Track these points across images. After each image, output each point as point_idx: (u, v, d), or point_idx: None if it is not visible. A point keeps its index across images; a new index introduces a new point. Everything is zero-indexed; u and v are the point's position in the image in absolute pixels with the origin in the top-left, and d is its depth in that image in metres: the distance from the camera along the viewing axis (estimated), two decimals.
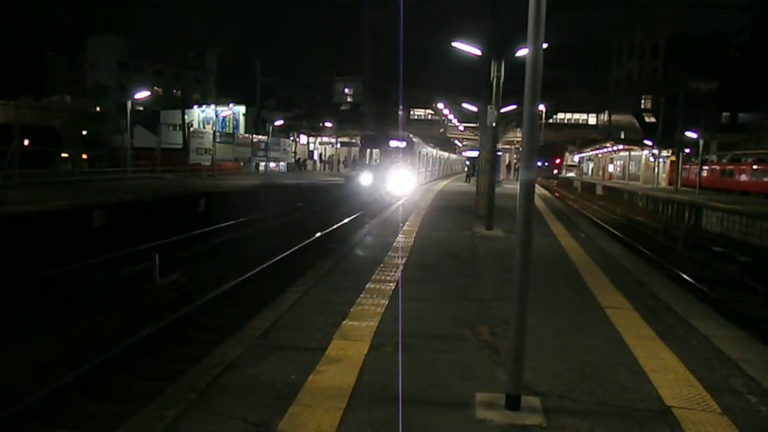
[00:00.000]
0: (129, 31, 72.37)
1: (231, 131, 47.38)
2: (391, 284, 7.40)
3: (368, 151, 28.98)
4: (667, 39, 65.27)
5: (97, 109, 60.94)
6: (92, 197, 15.45)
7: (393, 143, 27.35)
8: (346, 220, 21.08)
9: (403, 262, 8.94)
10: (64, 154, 27.28)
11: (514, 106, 26.44)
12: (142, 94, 34.71)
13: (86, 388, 6.67)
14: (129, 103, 27.92)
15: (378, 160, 28.11)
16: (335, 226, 19.41)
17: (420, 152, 31.15)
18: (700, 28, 56.75)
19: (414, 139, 29.21)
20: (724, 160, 43.00)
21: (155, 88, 65.43)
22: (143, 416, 3.86)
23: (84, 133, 42.05)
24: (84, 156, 29.66)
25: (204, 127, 48.44)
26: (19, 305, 9.50)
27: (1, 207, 12.53)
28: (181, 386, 4.24)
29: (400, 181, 25.74)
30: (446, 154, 54.79)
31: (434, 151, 41.55)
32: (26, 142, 23.60)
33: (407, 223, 13.57)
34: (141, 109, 46.75)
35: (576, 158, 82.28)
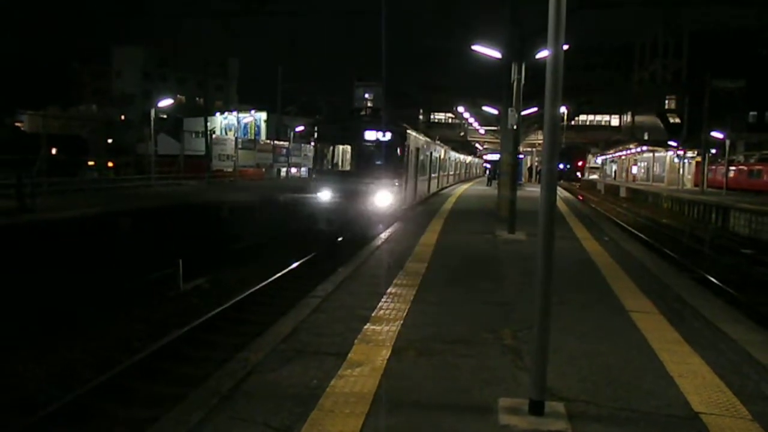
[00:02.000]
0: (152, 41, 73.60)
1: (253, 137, 47.81)
2: (413, 288, 7.38)
3: (330, 149, 17.51)
4: (691, 37, 64.28)
5: (122, 117, 62.01)
6: (115, 204, 15.71)
7: (370, 136, 16.45)
8: None
9: (425, 265, 8.91)
10: (90, 162, 27.77)
11: (535, 109, 26.25)
12: (166, 102, 35.22)
13: (113, 393, 6.76)
14: (152, 112, 28.35)
15: (353, 164, 17.22)
16: None
17: (419, 150, 19.51)
18: (725, 25, 55.57)
19: (409, 132, 17.68)
20: (752, 160, 42.13)
21: (178, 96, 66.36)
22: (167, 420, 3.90)
23: (109, 141, 42.82)
24: (110, 164, 30.14)
25: (226, 134, 48.96)
26: (47, 311, 9.66)
27: (30, 214, 12.78)
28: (204, 391, 4.28)
29: (384, 196, 15.94)
30: (462, 157, 46.21)
31: (442, 150, 29.70)
32: (54, 151, 24.08)
33: (428, 228, 13.52)
34: (164, 116, 47.47)
35: (598, 160, 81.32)
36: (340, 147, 17.50)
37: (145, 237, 14.17)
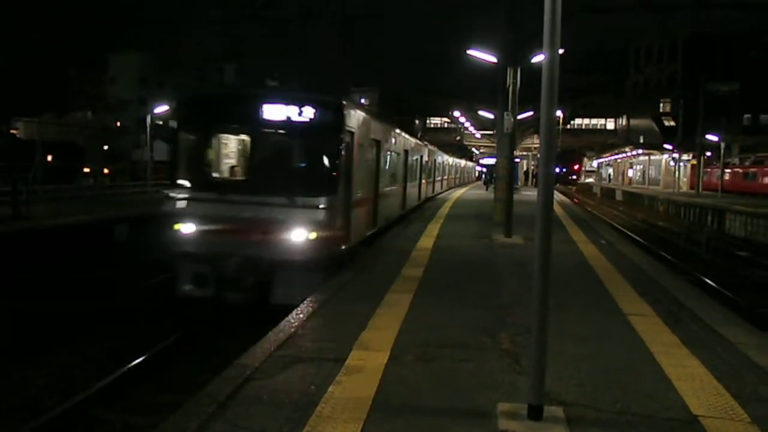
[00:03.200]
0: (149, 47, 73.79)
1: None
2: (410, 294, 7.37)
3: (206, 143, 9.84)
4: (686, 41, 64.62)
5: (118, 124, 61.98)
6: (110, 211, 15.70)
7: (276, 114, 9.03)
8: None
9: (422, 270, 8.90)
10: (86, 169, 27.76)
11: (531, 113, 26.34)
12: (162, 109, 35.22)
13: (110, 399, 6.72)
14: (149, 118, 28.36)
15: (245, 168, 9.73)
16: None
17: (380, 145, 12.38)
18: (720, 29, 55.88)
19: (353, 110, 9.92)
20: (747, 163, 42.30)
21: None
22: (164, 427, 3.88)
23: (105, 147, 42.81)
24: (105, 170, 30.14)
25: None
26: (45, 316, 9.62)
27: (25, 221, 12.76)
28: (201, 398, 4.25)
29: (302, 230, 8.52)
30: (452, 160, 40.86)
31: (425, 149, 23.14)
32: (49, 158, 24.07)
33: (426, 230, 13.51)
34: (160, 123, 47.50)
35: (594, 164, 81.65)
36: (226, 139, 10.03)
37: (140, 244, 14.12)
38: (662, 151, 51.70)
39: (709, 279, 13.79)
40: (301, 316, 6.34)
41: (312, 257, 8.50)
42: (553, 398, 4.18)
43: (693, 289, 8.76)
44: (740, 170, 40.86)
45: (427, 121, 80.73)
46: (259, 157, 9.31)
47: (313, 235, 8.53)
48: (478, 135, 56.88)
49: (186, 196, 9.09)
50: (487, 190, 34.63)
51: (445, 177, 34.85)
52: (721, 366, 4.99)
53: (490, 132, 42.99)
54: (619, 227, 24.88)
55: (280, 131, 9.26)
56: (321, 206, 8.68)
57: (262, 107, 9.02)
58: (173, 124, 10.18)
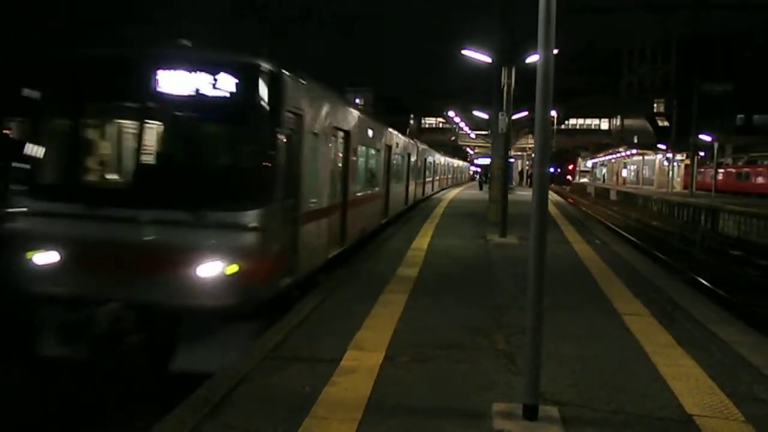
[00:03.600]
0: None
1: None
2: (405, 294, 7.36)
3: (75, 127, 6.69)
4: (680, 41, 64.87)
5: None
6: None
7: (179, 86, 6.05)
8: None
9: (417, 270, 8.89)
10: None
11: (525, 113, 26.39)
12: None
13: (103, 401, 6.67)
14: None
15: (132, 167, 6.42)
16: None
17: (349, 136, 9.77)
18: (714, 30, 56.12)
19: (293, 80, 6.72)
20: (740, 163, 42.53)
21: None
22: (160, 429, 3.85)
23: None
24: None
25: None
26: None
27: None
28: (195, 399, 4.23)
29: (217, 262, 5.67)
30: (443, 159, 39.08)
31: (415, 148, 21.53)
32: None
33: (421, 230, 13.52)
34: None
35: (589, 164, 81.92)
36: (105, 123, 6.90)
37: None
38: (656, 151, 51.94)
39: (702, 278, 13.85)
40: (297, 316, 6.32)
41: (232, 301, 5.76)
42: (548, 398, 4.18)
43: (687, 289, 8.80)
44: (733, 170, 41.10)
45: (422, 122, 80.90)
46: (153, 151, 6.42)
47: (233, 268, 5.72)
48: (472, 135, 57.03)
49: (44, 208, 6.20)
50: (481, 190, 34.66)
51: (437, 177, 33.01)
52: (715, 365, 5.01)
53: (485, 132, 43.06)
54: (614, 227, 24.96)
55: (186, 111, 6.34)
56: (248, 224, 5.86)
57: (156, 75, 6.14)
58: (32, 99, 6.78)
